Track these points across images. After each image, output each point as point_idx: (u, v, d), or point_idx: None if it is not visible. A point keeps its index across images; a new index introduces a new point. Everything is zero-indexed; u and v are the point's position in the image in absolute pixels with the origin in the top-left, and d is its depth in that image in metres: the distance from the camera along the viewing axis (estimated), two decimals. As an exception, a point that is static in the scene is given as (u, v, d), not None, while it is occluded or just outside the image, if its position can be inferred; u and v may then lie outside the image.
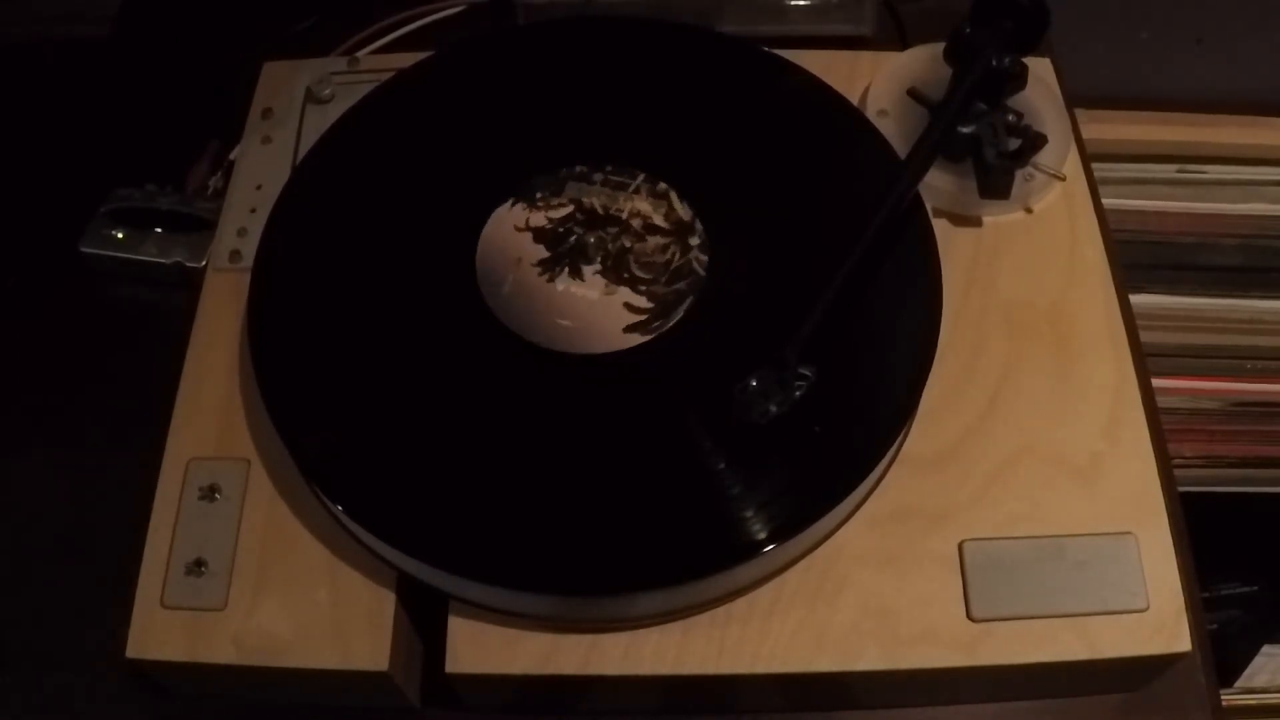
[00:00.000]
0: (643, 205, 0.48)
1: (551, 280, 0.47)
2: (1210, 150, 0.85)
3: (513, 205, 0.49)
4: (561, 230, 0.48)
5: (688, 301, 0.46)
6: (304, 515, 0.44)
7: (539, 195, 0.49)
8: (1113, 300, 0.49)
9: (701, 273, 0.46)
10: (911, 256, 0.47)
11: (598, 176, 0.49)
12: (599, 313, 0.46)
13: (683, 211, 0.48)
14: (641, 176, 0.49)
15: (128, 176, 0.58)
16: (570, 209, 0.49)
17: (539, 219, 0.48)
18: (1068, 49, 0.58)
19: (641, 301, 0.46)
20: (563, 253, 0.47)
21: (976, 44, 0.49)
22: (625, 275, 0.47)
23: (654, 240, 0.47)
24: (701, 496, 0.42)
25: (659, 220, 0.48)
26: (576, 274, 0.47)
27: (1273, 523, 0.79)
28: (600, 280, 0.47)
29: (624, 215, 0.48)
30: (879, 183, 0.47)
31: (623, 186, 0.49)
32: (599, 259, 0.47)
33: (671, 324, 0.45)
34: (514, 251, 0.48)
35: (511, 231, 0.48)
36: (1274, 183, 0.85)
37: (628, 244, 0.47)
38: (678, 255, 0.46)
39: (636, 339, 0.45)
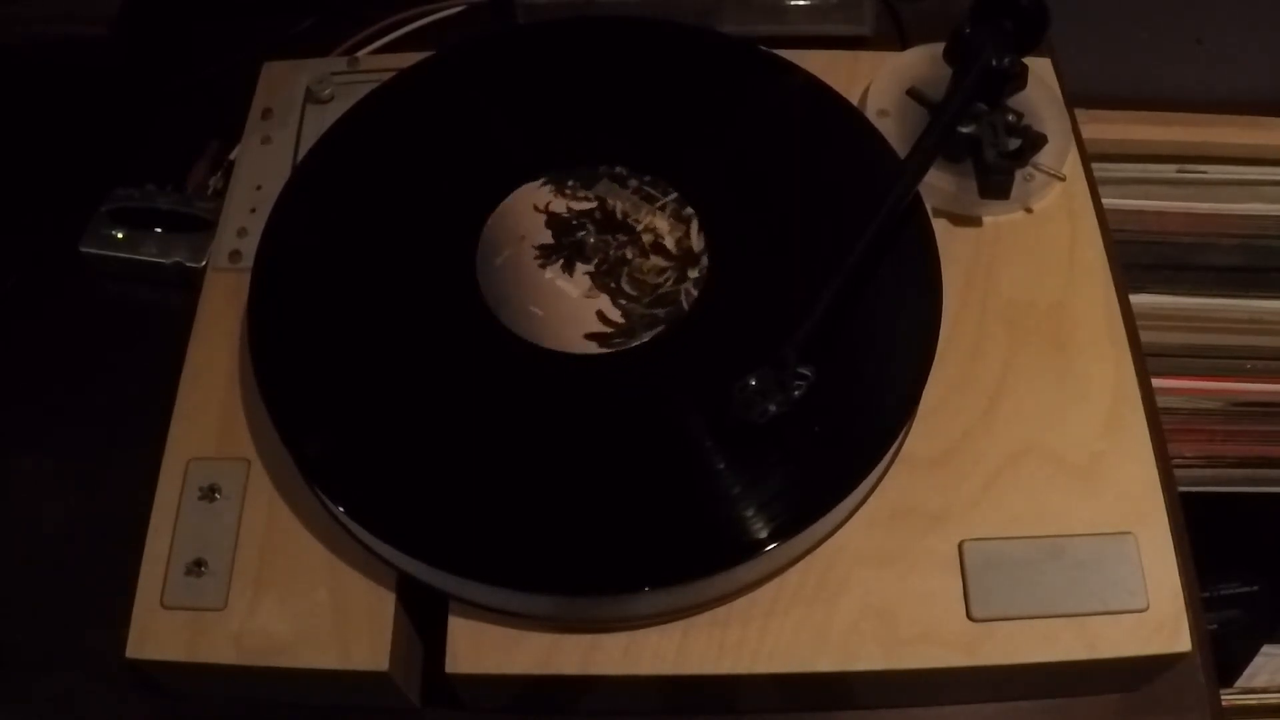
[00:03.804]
0: (660, 224, 0.47)
1: (544, 267, 0.47)
2: (1210, 150, 0.85)
3: (541, 184, 0.49)
4: (574, 223, 0.48)
5: (657, 329, 0.45)
6: (304, 515, 0.44)
7: (570, 183, 0.49)
8: (1113, 300, 0.49)
9: (685, 306, 0.46)
10: (911, 256, 0.47)
11: (632, 183, 0.49)
12: (570, 311, 0.46)
13: (695, 242, 0.47)
14: (674, 195, 0.48)
15: (128, 176, 0.58)
16: (593, 205, 0.48)
17: (559, 205, 0.49)
18: (1068, 49, 0.58)
19: (615, 315, 0.46)
20: (564, 244, 0.48)
21: (976, 44, 0.49)
22: (613, 285, 0.46)
23: (655, 260, 0.47)
24: (701, 496, 0.42)
25: (669, 243, 0.47)
26: (569, 268, 0.47)
27: (1273, 523, 0.79)
28: (587, 281, 0.47)
29: (639, 227, 0.48)
30: (879, 183, 0.47)
31: (650, 199, 0.48)
32: (595, 261, 0.47)
33: (633, 345, 0.45)
34: (522, 229, 0.48)
35: (529, 209, 0.48)
36: (1274, 183, 0.85)
37: (629, 255, 0.47)
38: (670, 282, 0.46)
39: (594, 348, 0.45)
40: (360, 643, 0.42)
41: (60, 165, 0.61)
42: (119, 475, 0.49)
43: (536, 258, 0.47)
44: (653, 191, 0.49)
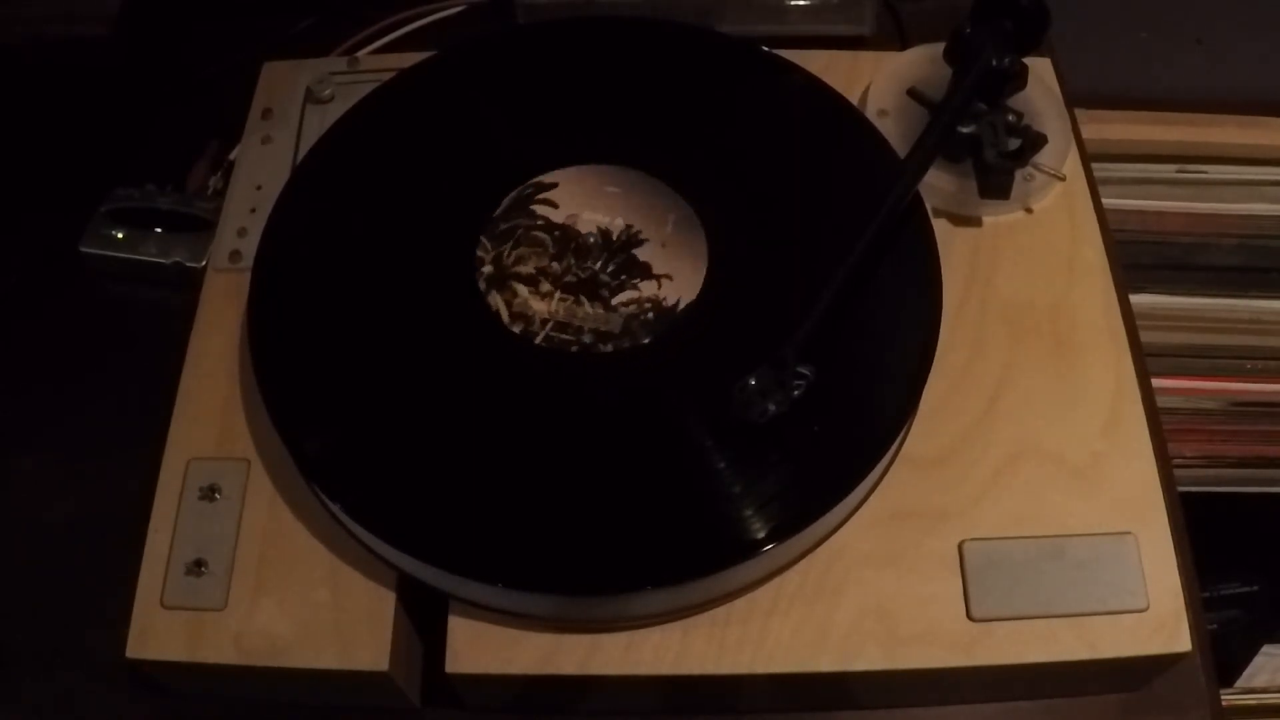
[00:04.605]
0: (592, 312, 0.46)
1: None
2: (1210, 150, 0.85)
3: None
4: (603, 244, 0.48)
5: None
6: (304, 515, 0.44)
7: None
8: (1113, 300, 0.49)
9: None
10: (911, 256, 0.47)
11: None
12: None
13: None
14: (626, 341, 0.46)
15: (128, 176, 0.58)
16: (638, 296, 0.47)
17: (650, 250, 0.48)
18: (1068, 49, 0.58)
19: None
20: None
21: (976, 44, 0.49)
22: (513, 245, 0.48)
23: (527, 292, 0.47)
24: (701, 496, 0.42)
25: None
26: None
27: (1273, 523, 0.79)
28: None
29: (578, 313, 0.46)
30: (879, 183, 0.47)
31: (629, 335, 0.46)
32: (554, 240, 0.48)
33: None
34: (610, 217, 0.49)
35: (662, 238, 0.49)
36: (1274, 183, 0.85)
37: (540, 264, 0.47)
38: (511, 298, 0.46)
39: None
40: (360, 643, 0.42)
41: (60, 165, 0.61)
42: (119, 475, 0.49)
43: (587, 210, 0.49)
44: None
